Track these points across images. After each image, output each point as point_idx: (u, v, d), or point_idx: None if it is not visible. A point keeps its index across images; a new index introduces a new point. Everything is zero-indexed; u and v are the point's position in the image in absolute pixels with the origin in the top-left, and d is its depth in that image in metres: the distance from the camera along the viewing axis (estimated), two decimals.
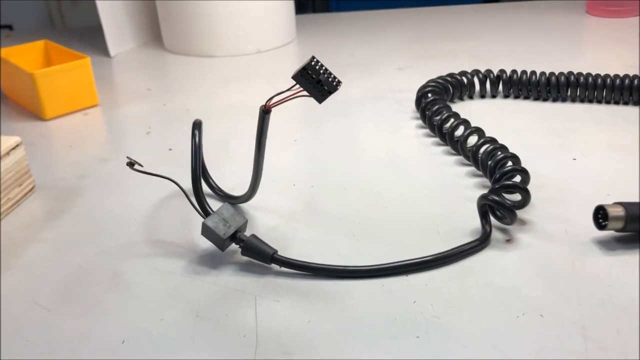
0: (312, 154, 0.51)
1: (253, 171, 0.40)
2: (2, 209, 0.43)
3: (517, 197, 0.40)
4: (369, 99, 0.61)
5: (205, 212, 0.37)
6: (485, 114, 0.56)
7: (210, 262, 0.37)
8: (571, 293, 0.33)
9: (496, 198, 0.37)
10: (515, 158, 0.42)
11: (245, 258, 0.37)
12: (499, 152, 0.43)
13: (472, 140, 0.47)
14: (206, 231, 0.36)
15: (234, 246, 0.37)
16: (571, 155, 0.48)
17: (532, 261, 0.36)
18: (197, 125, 0.39)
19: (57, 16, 2.00)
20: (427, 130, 0.53)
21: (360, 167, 0.48)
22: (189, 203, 0.37)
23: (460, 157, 0.48)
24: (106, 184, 0.48)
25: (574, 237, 0.38)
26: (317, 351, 0.30)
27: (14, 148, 0.44)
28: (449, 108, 0.51)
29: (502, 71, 0.59)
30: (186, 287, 0.35)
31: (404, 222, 0.40)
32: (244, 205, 0.43)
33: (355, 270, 0.35)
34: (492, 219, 0.39)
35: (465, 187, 0.44)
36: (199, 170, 0.38)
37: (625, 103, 0.56)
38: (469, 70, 0.59)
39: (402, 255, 0.36)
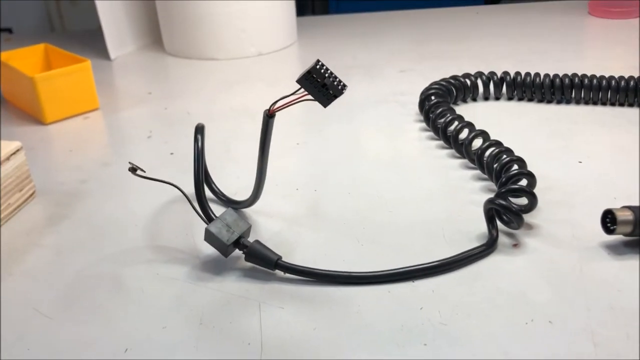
0: (315, 158, 0.51)
1: (256, 176, 0.39)
2: (2, 215, 0.43)
3: (523, 201, 0.40)
4: (372, 102, 0.60)
5: (208, 217, 0.37)
6: (489, 117, 0.56)
7: (214, 268, 0.37)
8: (580, 298, 0.33)
9: (503, 202, 0.37)
10: (521, 161, 0.42)
11: (249, 264, 0.36)
12: (505, 155, 0.43)
13: (477, 143, 0.46)
14: (209, 237, 0.36)
15: (237, 252, 0.37)
16: (577, 158, 0.47)
17: (540, 266, 0.35)
18: (199, 130, 0.38)
19: (57, 18, 1.99)
20: (431, 133, 0.52)
21: (364, 170, 0.48)
22: (191, 207, 0.37)
23: (465, 160, 0.48)
24: (107, 188, 0.47)
25: (581, 242, 0.37)
26: (323, 359, 0.30)
27: (14, 153, 0.44)
28: (453, 111, 0.51)
29: (506, 73, 0.58)
30: (189, 293, 0.35)
31: (409, 227, 0.40)
32: (246, 210, 0.43)
33: (360, 276, 0.35)
34: (498, 223, 0.38)
35: (471, 190, 0.44)
36: (202, 175, 0.37)
37: (630, 105, 0.56)
38: (472, 73, 0.59)
39: (407, 261, 0.36)
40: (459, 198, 0.43)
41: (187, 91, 0.67)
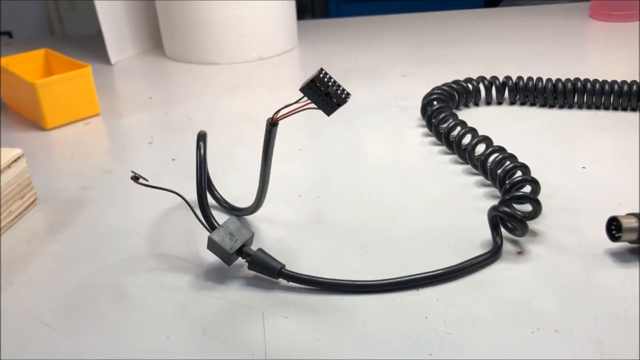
0: (317, 164, 0.51)
1: (259, 183, 0.39)
2: (3, 223, 0.42)
3: (527, 207, 0.39)
4: (373, 107, 0.60)
5: (211, 225, 0.37)
6: (491, 121, 0.56)
7: (217, 276, 0.37)
8: (586, 307, 0.32)
9: (507, 210, 0.36)
10: (524, 167, 0.42)
11: (252, 272, 0.36)
12: (508, 162, 0.42)
13: (480, 149, 0.46)
14: (212, 245, 0.36)
15: (240, 260, 0.36)
16: (580, 164, 0.47)
17: (545, 274, 0.35)
18: (201, 137, 0.38)
19: (56, 21, 1.99)
20: (434, 139, 0.52)
21: (366, 176, 0.48)
22: (193, 215, 0.36)
23: (468, 166, 0.47)
24: (109, 195, 0.47)
25: (586, 249, 0.37)
26: None
27: (15, 160, 0.44)
28: (456, 116, 0.51)
29: (508, 78, 0.58)
30: (192, 302, 0.35)
31: (413, 234, 0.40)
32: (249, 217, 0.42)
33: (364, 285, 0.34)
34: (502, 230, 0.38)
35: (474, 197, 0.44)
36: (205, 183, 0.37)
37: (633, 109, 0.55)
38: (474, 77, 0.59)
39: (412, 269, 0.35)
40: (462, 205, 0.43)
41: (188, 96, 0.67)
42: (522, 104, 0.59)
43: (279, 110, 0.34)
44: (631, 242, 0.36)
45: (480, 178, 0.46)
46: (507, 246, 0.38)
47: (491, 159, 0.44)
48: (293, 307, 0.34)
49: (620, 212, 0.38)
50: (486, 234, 0.38)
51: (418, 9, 1.01)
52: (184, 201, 0.37)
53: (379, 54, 0.77)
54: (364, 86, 0.66)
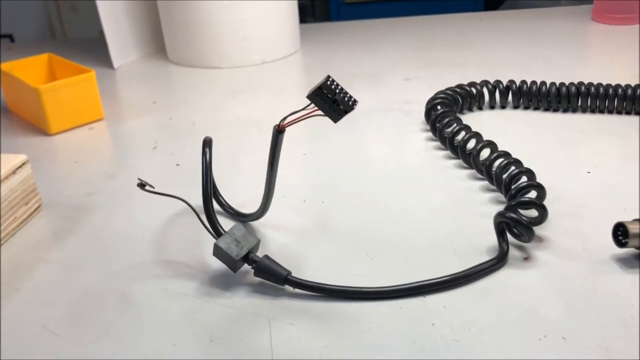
0: (321, 169, 0.51)
1: (265, 190, 0.39)
2: (9, 229, 0.42)
3: (533, 213, 0.39)
4: (377, 111, 0.60)
5: (217, 232, 0.37)
6: (495, 125, 0.56)
7: (223, 283, 0.37)
8: (593, 314, 0.32)
9: (514, 216, 0.36)
10: (530, 173, 0.42)
11: (258, 279, 0.36)
12: (514, 167, 0.42)
13: (485, 153, 0.46)
14: (218, 252, 0.36)
15: (246, 266, 0.36)
16: (585, 168, 0.47)
17: (551, 280, 0.35)
18: (207, 143, 0.38)
19: (57, 24, 2.00)
20: (438, 143, 0.52)
21: (371, 181, 0.48)
22: (198, 220, 0.36)
23: (473, 171, 0.47)
24: (114, 201, 0.47)
25: (592, 255, 0.37)
26: None
27: (20, 166, 0.44)
28: (460, 120, 0.51)
29: (512, 82, 0.58)
30: (199, 309, 0.35)
31: (419, 240, 0.40)
32: (254, 223, 0.42)
33: (371, 291, 0.34)
34: (508, 236, 0.38)
35: (479, 202, 0.43)
36: (210, 190, 0.37)
37: (637, 113, 0.55)
38: (477, 80, 0.59)
39: (418, 275, 0.35)
40: (467, 210, 0.43)
41: (192, 100, 0.67)
42: (526, 108, 0.59)
43: (285, 117, 0.34)
44: (638, 248, 0.36)
45: (485, 183, 0.46)
46: (513, 252, 0.38)
47: (496, 164, 0.44)
48: (299, 314, 0.34)
49: (625, 217, 0.38)
50: (492, 239, 0.38)
51: (418, 12, 1.01)
52: (188, 207, 0.37)
53: (382, 57, 0.77)
54: (367, 90, 0.66)
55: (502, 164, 0.43)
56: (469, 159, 0.47)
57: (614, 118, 0.55)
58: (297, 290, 0.35)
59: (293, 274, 0.35)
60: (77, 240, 0.42)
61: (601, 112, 0.56)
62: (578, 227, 0.40)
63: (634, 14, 0.82)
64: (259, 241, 0.37)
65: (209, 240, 0.37)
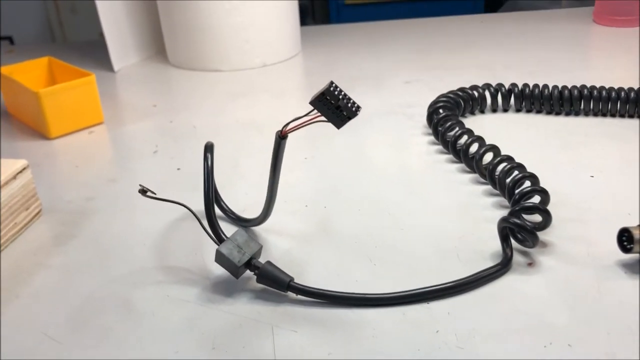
0: (323, 173, 0.50)
1: (267, 195, 0.39)
2: (9, 234, 0.42)
3: (536, 218, 0.39)
4: (378, 114, 0.60)
5: (218, 238, 0.36)
6: (497, 129, 0.55)
7: (225, 289, 0.36)
8: (598, 320, 0.32)
9: (518, 221, 0.36)
10: (533, 177, 0.41)
11: (260, 285, 0.36)
12: (517, 171, 0.42)
13: (487, 157, 0.46)
14: (220, 258, 0.35)
15: (248, 272, 0.36)
16: (588, 172, 0.47)
17: (556, 286, 0.35)
18: (209, 148, 0.38)
19: (57, 26, 1.99)
20: (440, 147, 0.52)
21: (373, 186, 0.47)
22: (199, 225, 0.36)
23: (475, 175, 0.47)
24: (114, 206, 0.47)
25: (597, 260, 0.37)
26: None
27: (20, 171, 0.43)
28: (462, 124, 0.50)
29: (514, 85, 0.58)
30: (201, 316, 0.34)
31: (422, 245, 0.39)
32: (255, 228, 0.42)
33: (374, 298, 0.34)
34: (512, 241, 0.38)
35: (483, 207, 0.43)
36: (212, 196, 0.37)
37: None
38: (478, 83, 0.59)
39: (421, 281, 0.35)
40: (471, 215, 0.42)
41: (192, 104, 0.67)
42: (528, 111, 0.58)
43: (288, 123, 0.33)
44: None
45: (488, 187, 0.45)
46: (517, 257, 0.37)
47: (499, 168, 0.44)
48: (302, 320, 0.34)
49: (630, 221, 0.38)
50: (495, 244, 0.38)
51: (418, 14, 1.01)
52: (189, 212, 0.36)
53: (383, 60, 0.77)
54: (368, 93, 0.66)
55: (506, 168, 0.43)
56: (472, 163, 0.47)
57: (617, 121, 0.55)
58: (300, 297, 0.35)
59: (295, 280, 0.35)
60: (78, 245, 0.42)
61: (604, 115, 0.56)
62: (582, 232, 0.39)
63: (635, 16, 0.82)
64: (261, 247, 0.36)
65: (211, 246, 0.37)
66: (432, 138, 0.54)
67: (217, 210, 0.42)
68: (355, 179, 0.49)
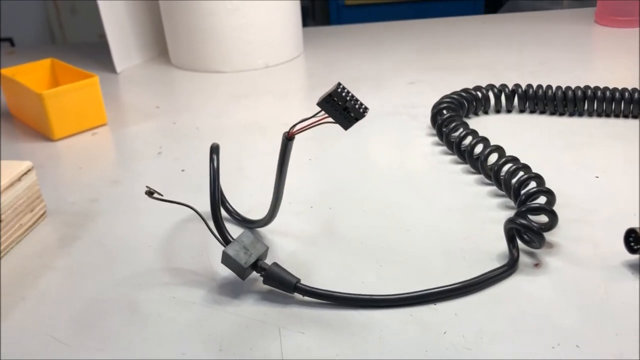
0: (327, 174, 0.50)
1: (273, 197, 0.39)
2: (15, 236, 0.42)
3: (542, 218, 0.39)
4: (382, 115, 0.60)
5: (225, 239, 0.36)
6: (501, 130, 0.55)
7: (231, 291, 0.36)
8: (606, 321, 0.32)
9: (524, 222, 0.36)
10: (539, 178, 0.41)
11: (267, 286, 0.36)
12: (522, 172, 0.42)
13: (492, 158, 0.46)
14: (227, 260, 0.35)
15: (254, 274, 0.36)
16: (593, 173, 0.47)
17: (563, 287, 0.35)
18: (214, 150, 0.38)
19: (57, 28, 1.99)
20: (444, 148, 0.52)
21: (378, 187, 0.47)
22: (205, 227, 0.36)
23: (480, 176, 0.47)
24: (118, 207, 0.47)
25: (604, 261, 0.37)
26: None
27: (25, 173, 0.43)
28: (467, 125, 0.50)
29: (517, 85, 0.58)
30: (207, 318, 0.34)
31: (428, 246, 0.39)
32: (261, 229, 0.42)
33: (381, 299, 0.34)
34: (518, 242, 0.38)
35: (488, 208, 0.43)
36: (218, 197, 0.37)
37: None
38: (482, 84, 0.59)
39: (428, 282, 0.35)
40: (476, 216, 0.42)
41: (195, 105, 0.67)
42: (532, 112, 0.58)
43: (295, 125, 0.33)
44: None
45: (493, 188, 0.45)
46: (523, 258, 0.37)
47: (505, 169, 0.44)
48: (309, 322, 0.33)
49: (636, 222, 0.38)
50: (501, 245, 0.38)
51: (418, 15, 1.01)
52: (195, 213, 0.36)
53: (385, 60, 0.77)
54: (371, 94, 0.66)
55: (511, 169, 0.43)
56: (477, 163, 0.47)
57: (621, 122, 0.55)
58: (307, 298, 0.35)
59: (302, 282, 0.35)
60: (83, 247, 0.42)
61: (608, 116, 0.56)
62: (588, 233, 0.39)
63: (637, 16, 0.82)
64: (267, 248, 0.36)
65: (217, 248, 0.37)
66: (436, 139, 0.54)
67: (223, 212, 0.42)
68: (360, 180, 0.49)
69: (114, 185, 0.50)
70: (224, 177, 0.44)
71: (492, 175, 0.44)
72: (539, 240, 0.36)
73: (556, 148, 0.51)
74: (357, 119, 0.32)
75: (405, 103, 0.63)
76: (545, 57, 0.74)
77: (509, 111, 0.59)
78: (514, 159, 0.44)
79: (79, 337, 0.34)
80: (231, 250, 0.35)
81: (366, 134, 0.56)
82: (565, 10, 0.95)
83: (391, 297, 0.34)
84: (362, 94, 0.65)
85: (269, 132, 0.59)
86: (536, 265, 0.37)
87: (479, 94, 0.58)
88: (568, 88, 0.56)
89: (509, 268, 0.36)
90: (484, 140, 0.47)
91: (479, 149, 0.47)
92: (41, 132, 0.60)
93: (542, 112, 0.58)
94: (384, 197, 0.46)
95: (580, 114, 0.57)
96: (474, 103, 0.57)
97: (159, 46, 0.84)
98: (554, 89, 0.57)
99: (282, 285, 0.35)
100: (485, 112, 0.59)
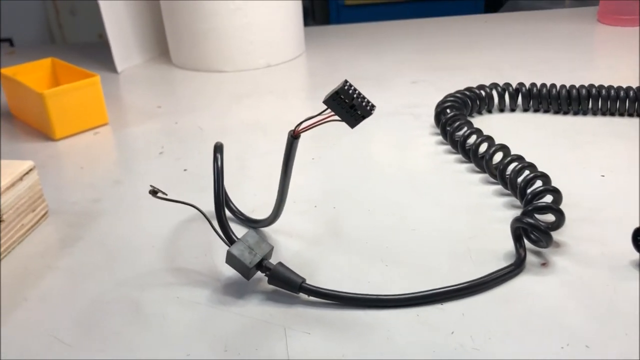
0: (331, 173, 0.50)
1: (277, 196, 0.38)
2: (16, 236, 0.42)
3: (549, 217, 0.39)
4: (385, 115, 0.60)
5: (229, 239, 0.36)
6: (505, 128, 0.55)
7: (236, 291, 0.36)
8: (615, 321, 0.32)
9: (531, 221, 0.36)
10: (545, 177, 0.41)
11: (271, 286, 0.36)
12: (528, 171, 0.42)
13: (497, 157, 0.45)
14: (231, 260, 0.35)
15: (259, 274, 0.36)
16: (598, 172, 0.46)
17: (571, 286, 0.34)
18: (218, 149, 0.38)
19: (56, 28, 1.99)
20: (448, 147, 0.52)
21: (381, 186, 0.47)
22: (209, 226, 0.36)
23: (485, 175, 0.47)
24: (121, 207, 0.46)
25: (611, 260, 0.36)
26: None
27: (27, 173, 0.43)
28: (471, 124, 0.50)
29: (521, 84, 0.58)
30: (212, 318, 0.34)
31: (434, 245, 0.39)
32: (265, 229, 0.42)
33: (388, 299, 0.34)
34: (525, 241, 0.37)
35: (494, 207, 0.43)
36: (222, 196, 0.36)
37: None
38: (485, 83, 0.58)
39: (434, 282, 0.35)
40: (482, 215, 0.42)
41: (197, 105, 0.66)
42: (536, 110, 0.58)
43: (301, 123, 0.33)
44: None
45: (498, 187, 0.45)
46: (530, 258, 0.37)
47: (510, 168, 0.43)
48: (315, 322, 0.33)
49: None
50: (508, 245, 0.38)
51: (417, 14, 1.01)
52: (199, 212, 0.36)
53: (387, 60, 0.77)
54: (373, 93, 0.66)
55: (517, 168, 0.43)
56: (482, 162, 0.46)
57: (625, 121, 0.55)
58: (312, 298, 0.35)
59: (307, 282, 0.35)
60: (85, 247, 0.42)
61: (612, 114, 0.56)
62: (595, 232, 0.39)
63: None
64: (272, 248, 0.36)
65: (220, 247, 0.37)
66: (440, 138, 0.53)
67: (227, 212, 0.41)
68: (363, 179, 0.48)
69: (116, 185, 0.50)
70: (227, 177, 0.44)
71: (498, 174, 0.44)
72: (547, 240, 0.36)
73: (561, 147, 0.51)
74: (364, 117, 0.31)
75: (407, 102, 0.62)
76: (548, 56, 0.73)
77: (512, 110, 0.59)
78: (520, 158, 0.44)
79: (81, 338, 0.33)
80: (236, 250, 0.35)
81: (369, 133, 0.56)
82: (568, 9, 0.94)
83: (398, 297, 0.34)
84: (364, 94, 0.65)
85: (271, 131, 0.58)
86: (543, 264, 0.36)
87: (483, 93, 0.57)
88: (572, 87, 0.56)
89: (516, 267, 0.35)
90: (489, 139, 0.47)
91: (483, 147, 0.47)
92: (42, 132, 0.60)
93: (546, 111, 0.58)
94: (388, 196, 0.45)
95: (585, 113, 0.57)
96: (478, 102, 0.57)
97: (160, 46, 0.84)
98: (558, 87, 0.56)
99: (288, 285, 0.35)
100: (489, 111, 0.59)
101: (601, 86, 0.55)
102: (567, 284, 0.35)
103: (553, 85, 0.57)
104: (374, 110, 0.32)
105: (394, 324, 0.32)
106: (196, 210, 0.36)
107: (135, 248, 0.41)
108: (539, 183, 0.41)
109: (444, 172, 0.48)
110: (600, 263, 0.36)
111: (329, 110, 0.31)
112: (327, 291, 0.34)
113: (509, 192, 0.43)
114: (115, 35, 0.77)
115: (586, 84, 0.56)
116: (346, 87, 0.31)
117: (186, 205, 0.36)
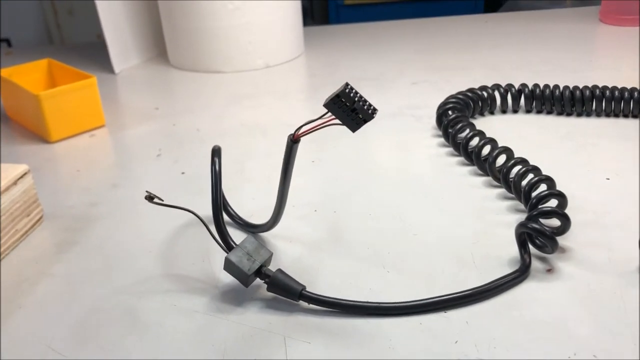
0: (331, 176, 0.49)
1: (277, 201, 0.37)
2: (10, 241, 0.41)
3: (554, 222, 0.38)
4: (386, 116, 0.59)
5: (227, 245, 0.35)
6: (508, 130, 0.54)
7: (234, 298, 0.35)
8: (624, 329, 0.31)
9: (537, 226, 0.35)
10: (550, 180, 0.40)
11: (271, 294, 0.35)
12: (532, 174, 0.41)
13: (500, 160, 0.45)
14: (229, 266, 0.34)
15: (258, 281, 0.35)
16: (603, 175, 0.46)
17: (577, 293, 0.34)
18: (216, 152, 0.37)
19: (55, 28, 1.98)
20: (450, 149, 0.51)
21: (383, 189, 0.46)
22: (206, 231, 0.35)
23: (488, 178, 0.46)
24: (118, 212, 0.45)
25: (618, 266, 0.35)
26: None
27: (21, 177, 0.42)
28: (473, 126, 0.49)
29: (524, 85, 0.57)
30: (210, 326, 0.33)
31: (436, 251, 0.38)
32: (264, 234, 0.41)
33: (390, 307, 0.33)
34: (530, 247, 0.36)
35: (497, 211, 0.42)
36: (220, 202, 0.36)
37: None
38: (486, 84, 0.58)
39: (437, 289, 0.34)
40: (485, 219, 0.41)
41: (195, 106, 0.66)
42: (539, 112, 0.57)
43: (301, 127, 0.32)
44: None
45: (502, 191, 0.44)
46: (535, 264, 0.36)
47: (514, 171, 0.42)
48: (316, 331, 0.32)
49: None
50: (512, 250, 0.37)
51: (417, 14, 1.00)
52: (196, 217, 0.35)
53: (387, 60, 0.76)
54: (374, 94, 0.65)
55: (521, 171, 0.42)
56: (485, 165, 0.45)
57: (630, 122, 0.54)
58: (313, 306, 0.34)
59: (307, 289, 0.34)
60: (81, 253, 0.41)
61: (616, 116, 0.55)
62: (601, 237, 0.38)
63: None
64: (271, 254, 0.35)
65: (218, 253, 0.36)
66: (442, 140, 0.53)
67: (225, 216, 0.41)
68: (364, 182, 0.48)
69: (113, 189, 0.49)
70: (225, 180, 0.43)
71: (501, 177, 0.43)
72: (552, 245, 0.35)
73: (564, 149, 0.50)
74: (365, 121, 0.31)
75: (408, 104, 0.62)
76: (550, 56, 0.73)
77: (515, 111, 0.58)
78: (524, 161, 0.43)
79: (77, 347, 0.32)
80: (234, 257, 0.34)
81: (370, 135, 0.55)
82: (569, 9, 0.94)
83: (400, 305, 0.33)
84: (364, 95, 0.64)
85: (270, 133, 0.57)
86: (549, 270, 0.36)
87: (485, 94, 0.56)
88: (576, 88, 0.55)
89: (521, 274, 0.35)
90: (492, 142, 0.46)
91: (486, 150, 0.46)
92: (38, 134, 0.59)
93: (549, 113, 0.57)
94: (389, 200, 0.45)
95: (588, 114, 0.56)
96: (480, 103, 0.56)
97: (158, 46, 0.83)
98: (561, 88, 0.56)
99: (287, 293, 0.34)
100: (491, 113, 0.58)
101: (605, 87, 0.55)
102: (574, 291, 0.34)
103: (556, 86, 0.56)
104: (375, 113, 0.31)
105: (396, 333, 0.32)
106: (196, 217, 0.35)
107: (132, 254, 0.40)
108: (543, 187, 0.40)
109: (446, 175, 0.48)
110: (607, 269, 0.35)
111: (329, 113, 0.31)
112: (328, 299, 0.33)
113: (513, 195, 0.43)
114: (112, 36, 0.76)
115: (589, 85, 0.55)
116: (347, 90, 0.30)
117: (185, 211, 0.35)
